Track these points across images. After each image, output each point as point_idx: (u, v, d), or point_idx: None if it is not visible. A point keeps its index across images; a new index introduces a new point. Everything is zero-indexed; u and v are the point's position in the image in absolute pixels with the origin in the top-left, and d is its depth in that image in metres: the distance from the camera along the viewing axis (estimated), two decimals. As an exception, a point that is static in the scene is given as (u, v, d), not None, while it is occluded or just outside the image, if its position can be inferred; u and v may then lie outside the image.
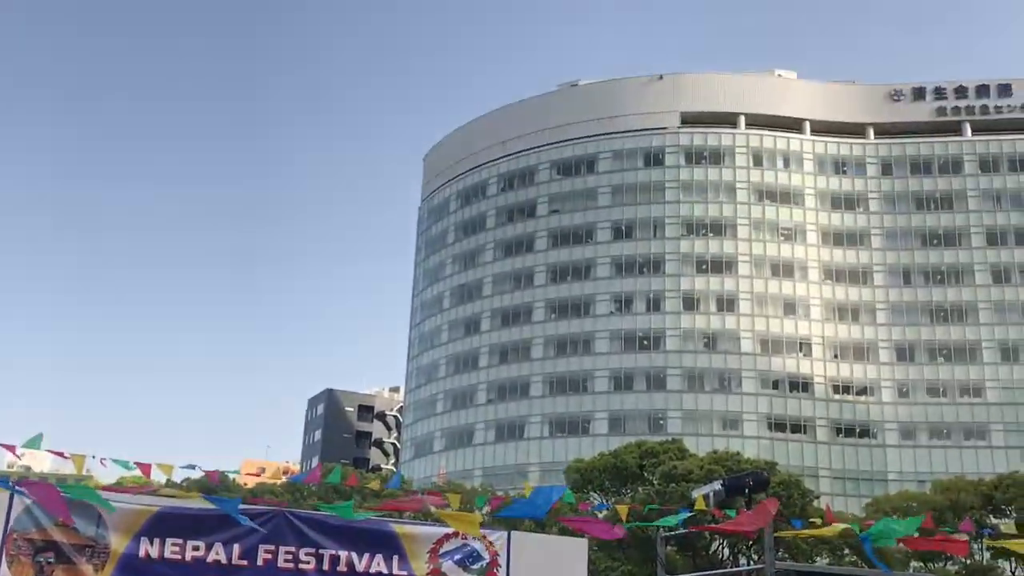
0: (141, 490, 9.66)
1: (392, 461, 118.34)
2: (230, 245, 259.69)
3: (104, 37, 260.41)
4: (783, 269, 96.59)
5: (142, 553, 10.67)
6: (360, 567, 11.62)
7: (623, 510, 13.28)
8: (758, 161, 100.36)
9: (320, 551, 11.46)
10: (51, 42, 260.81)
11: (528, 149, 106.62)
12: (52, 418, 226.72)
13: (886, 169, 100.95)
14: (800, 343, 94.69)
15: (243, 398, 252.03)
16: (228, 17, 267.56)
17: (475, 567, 12.25)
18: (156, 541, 10.71)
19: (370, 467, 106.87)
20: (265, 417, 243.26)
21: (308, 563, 11.45)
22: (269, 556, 11.30)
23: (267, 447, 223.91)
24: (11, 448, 9.89)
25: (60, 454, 9.98)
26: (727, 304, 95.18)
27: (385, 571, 11.79)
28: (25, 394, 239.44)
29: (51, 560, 9.64)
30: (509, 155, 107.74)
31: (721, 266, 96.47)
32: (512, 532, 12.91)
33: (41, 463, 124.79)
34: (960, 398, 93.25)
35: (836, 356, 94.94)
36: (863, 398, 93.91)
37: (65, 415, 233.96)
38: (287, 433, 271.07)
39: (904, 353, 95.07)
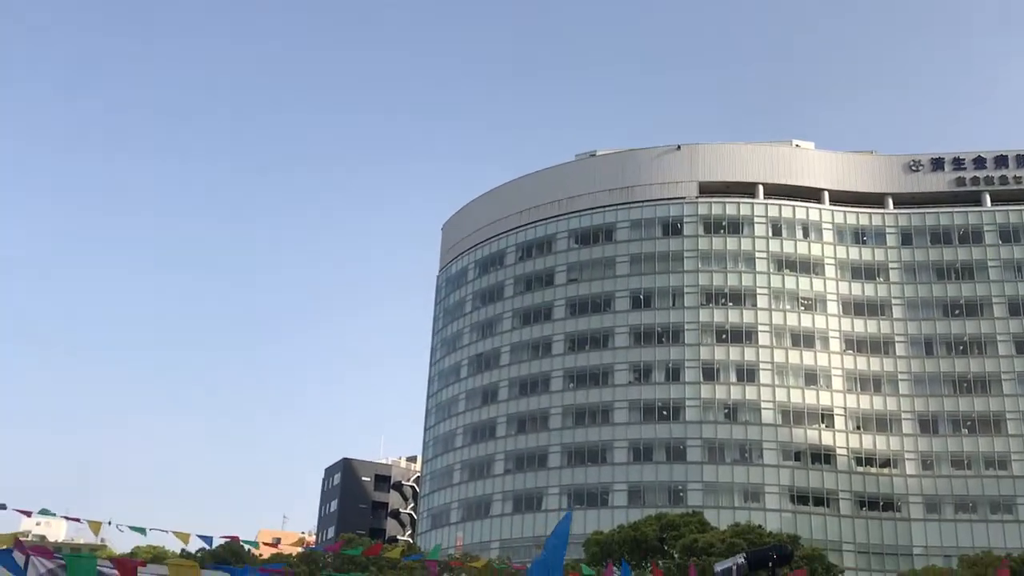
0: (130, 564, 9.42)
1: (409, 532, 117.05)
2: (248, 312, 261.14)
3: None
4: (804, 339, 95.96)
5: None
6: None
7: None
8: (777, 231, 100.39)
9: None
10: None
11: (546, 218, 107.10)
12: (64, 486, 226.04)
13: (906, 239, 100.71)
14: (822, 414, 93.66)
15: (259, 468, 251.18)
16: (254, 99, 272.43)
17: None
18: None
19: (386, 538, 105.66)
20: (281, 487, 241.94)
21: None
22: (283, 629, 11.12)
23: (283, 517, 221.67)
24: (27, 513, 9.80)
25: (76, 520, 9.88)
26: (747, 374, 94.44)
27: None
28: (43, 466, 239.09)
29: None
30: (527, 224, 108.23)
31: (741, 336, 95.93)
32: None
33: (57, 531, 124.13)
34: (985, 471, 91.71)
35: (859, 427, 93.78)
36: (887, 470, 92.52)
37: (79, 480, 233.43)
38: (304, 503, 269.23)
39: (927, 425, 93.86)
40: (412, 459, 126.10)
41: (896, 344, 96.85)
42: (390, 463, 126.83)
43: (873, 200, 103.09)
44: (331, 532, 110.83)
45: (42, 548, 9.09)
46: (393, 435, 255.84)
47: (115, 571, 9.80)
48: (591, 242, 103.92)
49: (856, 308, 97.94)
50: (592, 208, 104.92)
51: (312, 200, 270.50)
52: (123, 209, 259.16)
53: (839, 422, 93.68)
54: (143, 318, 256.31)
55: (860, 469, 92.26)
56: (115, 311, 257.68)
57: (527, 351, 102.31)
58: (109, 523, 10.06)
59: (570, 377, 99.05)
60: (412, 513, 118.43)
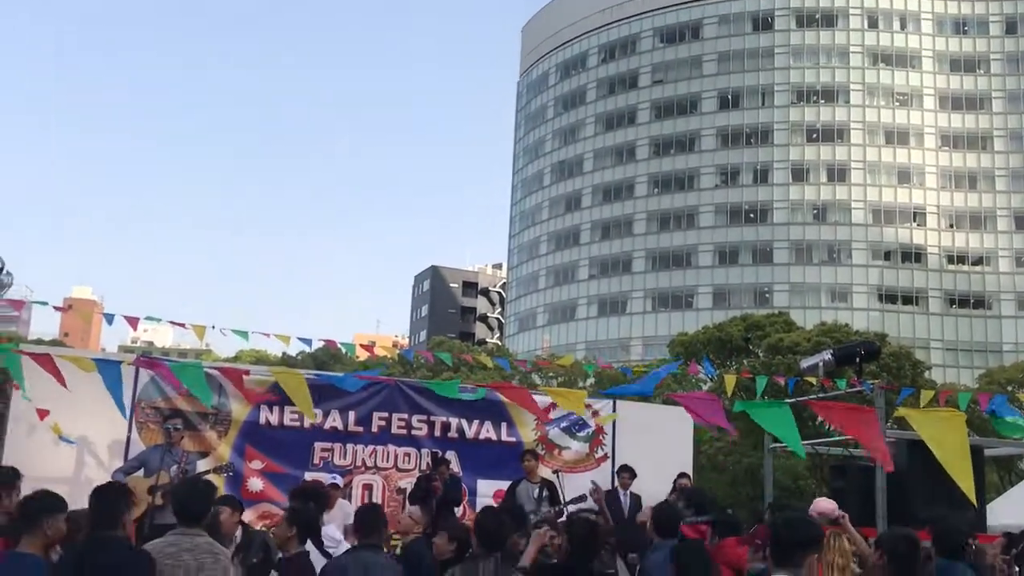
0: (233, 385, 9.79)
1: (497, 335, 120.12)
2: (326, 124, 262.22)
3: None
4: (898, 136, 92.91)
5: (262, 420, 11.10)
6: (470, 433, 11.92)
7: (731, 380, 13.22)
8: (873, 23, 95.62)
9: (431, 418, 11.77)
10: None
11: (629, 17, 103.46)
12: (169, 291, 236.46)
13: (1010, 28, 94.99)
14: (914, 212, 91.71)
15: (352, 275, 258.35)
16: None
17: (581, 434, 12.43)
18: (275, 409, 11.12)
19: (476, 341, 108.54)
20: (373, 294, 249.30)
21: (420, 429, 11.80)
22: (383, 423, 11.67)
23: (377, 322, 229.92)
24: (134, 321, 10.27)
25: (181, 325, 10.35)
26: (838, 174, 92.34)
27: (494, 437, 12.06)
28: (143, 268, 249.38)
29: (178, 427, 10.07)
30: (610, 24, 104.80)
31: (832, 134, 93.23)
32: (617, 401, 13.03)
33: (163, 337, 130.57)
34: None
35: (951, 225, 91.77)
36: (979, 268, 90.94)
37: (181, 288, 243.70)
38: (395, 308, 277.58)
39: (1023, 222, 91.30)
40: (498, 266, 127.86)
41: (995, 139, 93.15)
42: (476, 270, 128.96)
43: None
44: (422, 336, 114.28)
45: (151, 360, 9.54)
46: (478, 243, 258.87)
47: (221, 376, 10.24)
48: (677, 40, 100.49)
49: (954, 103, 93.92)
50: (678, 4, 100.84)
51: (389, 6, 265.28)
52: None
53: (931, 220, 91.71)
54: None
55: (951, 267, 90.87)
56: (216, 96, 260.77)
57: (611, 157, 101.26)
58: (212, 327, 10.49)
59: (655, 182, 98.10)
60: (499, 318, 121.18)
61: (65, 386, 7.85)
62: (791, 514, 5.15)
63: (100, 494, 5.76)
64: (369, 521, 6.60)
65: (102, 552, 5.48)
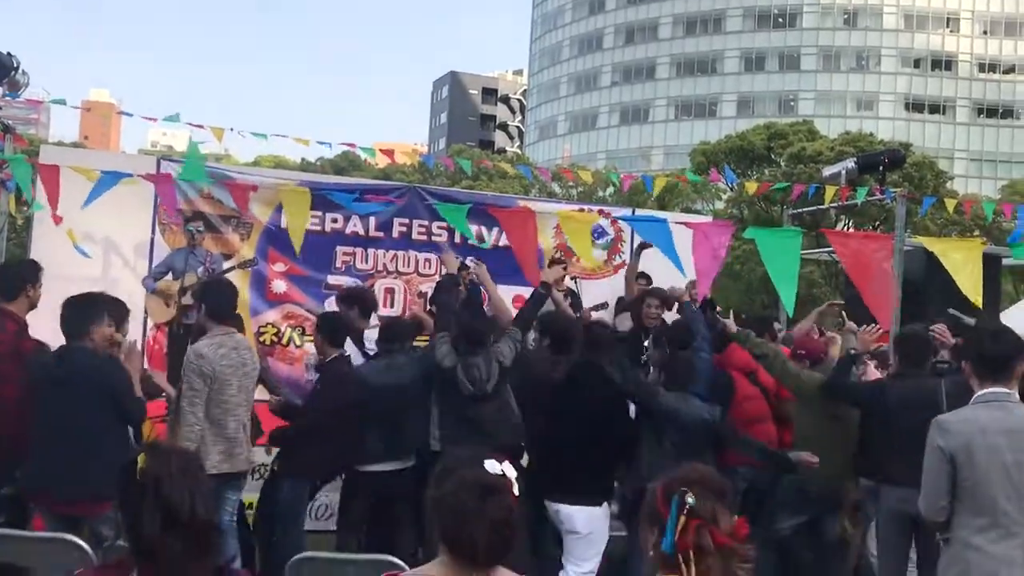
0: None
1: (517, 144, 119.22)
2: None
3: None
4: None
5: (284, 224, 11.19)
6: (490, 240, 12.00)
7: (751, 187, 13.14)
8: None
9: (451, 225, 11.82)
10: None
11: None
12: (188, 98, 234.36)
13: None
14: (948, 18, 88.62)
15: (368, 81, 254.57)
16: None
17: (600, 242, 12.46)
18: (297, 213, 11.17)
19: (495, 149, 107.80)
20: (392, 102, 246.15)
21: (440, 236, 11.88)
22: (404, 229, 11.72)
23: (396, 131, 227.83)
24: (152, 119, 10.22)
25: (199, 127, 10.23)
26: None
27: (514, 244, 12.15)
28: (161, 75, 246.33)
29: (200, 229, 10.12)
30: None
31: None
32: (636, 211, 13.02)
33: (182, 142, 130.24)
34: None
35: (986, 32, 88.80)
36: (1010, 76, 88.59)
37: (201, 95, 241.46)
38: (414, 118, 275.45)
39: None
40: (519, 72, 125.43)
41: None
42: (496, 76, 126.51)
43: None
44: (441, 144, 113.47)
45: (157, 176, 9.50)
46: (499, 48, 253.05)
47: (228, 193, 10.17)
48: None
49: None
50: None
51: None
52: None
53: (965, 26, 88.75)
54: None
55: (982, 76, 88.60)
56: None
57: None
58: (231, 130, 10.39)
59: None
60: (520, 126, 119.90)
61: (56, 209, 7.88)
62: (996, 326, 5.17)
63: (70, 305, 5.76)
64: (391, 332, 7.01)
65: (71, 361, 5.61)
